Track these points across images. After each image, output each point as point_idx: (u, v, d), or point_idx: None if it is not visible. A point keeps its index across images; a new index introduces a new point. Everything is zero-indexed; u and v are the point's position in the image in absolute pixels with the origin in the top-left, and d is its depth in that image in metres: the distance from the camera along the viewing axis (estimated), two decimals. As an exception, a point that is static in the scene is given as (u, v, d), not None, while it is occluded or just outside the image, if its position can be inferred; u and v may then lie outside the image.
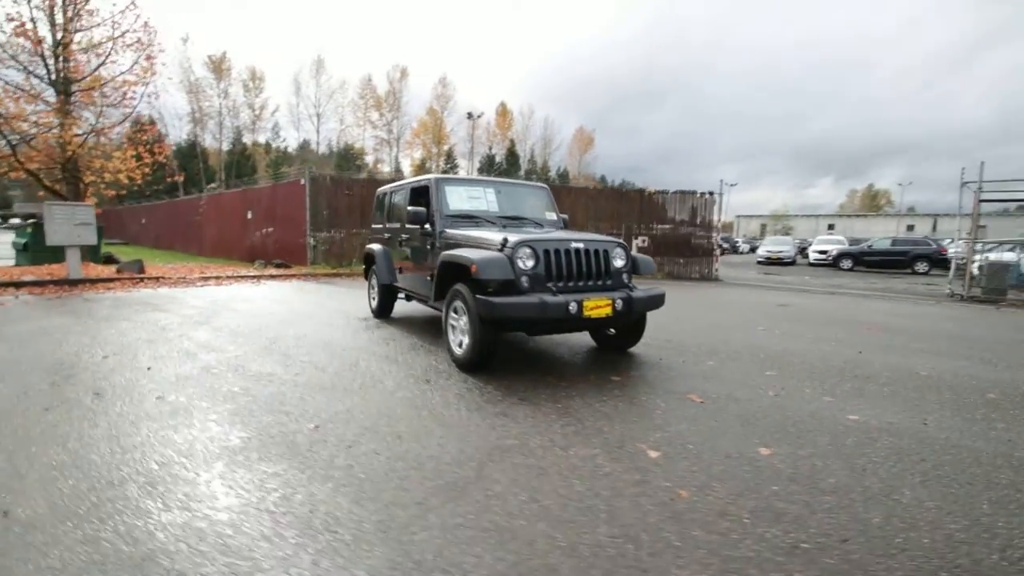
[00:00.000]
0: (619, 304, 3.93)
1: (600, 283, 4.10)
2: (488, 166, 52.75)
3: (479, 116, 40.20)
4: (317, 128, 49.84)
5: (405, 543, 1.77)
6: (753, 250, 37.98)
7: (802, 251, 28.49)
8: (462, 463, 2.39)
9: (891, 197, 74.87)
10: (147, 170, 11.63)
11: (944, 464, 2.48)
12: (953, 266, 12.43)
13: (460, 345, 4.07)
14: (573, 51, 76.68)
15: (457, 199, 4.97)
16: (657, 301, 4.24)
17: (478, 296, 3.70)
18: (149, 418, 2.89)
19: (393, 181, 9.57)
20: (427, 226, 4.87)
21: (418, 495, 2.09)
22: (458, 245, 4.32)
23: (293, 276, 12.01)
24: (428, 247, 4.86)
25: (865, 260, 21.37)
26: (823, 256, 23.69)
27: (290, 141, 51.58)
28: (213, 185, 27.52)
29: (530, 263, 3.83)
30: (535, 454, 2.51)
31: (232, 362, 4.17)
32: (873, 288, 13.38)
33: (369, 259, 6.68)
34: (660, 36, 76.65)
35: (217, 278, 11.16)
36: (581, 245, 4.06)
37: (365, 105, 50.13)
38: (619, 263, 4.24)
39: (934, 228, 49.40)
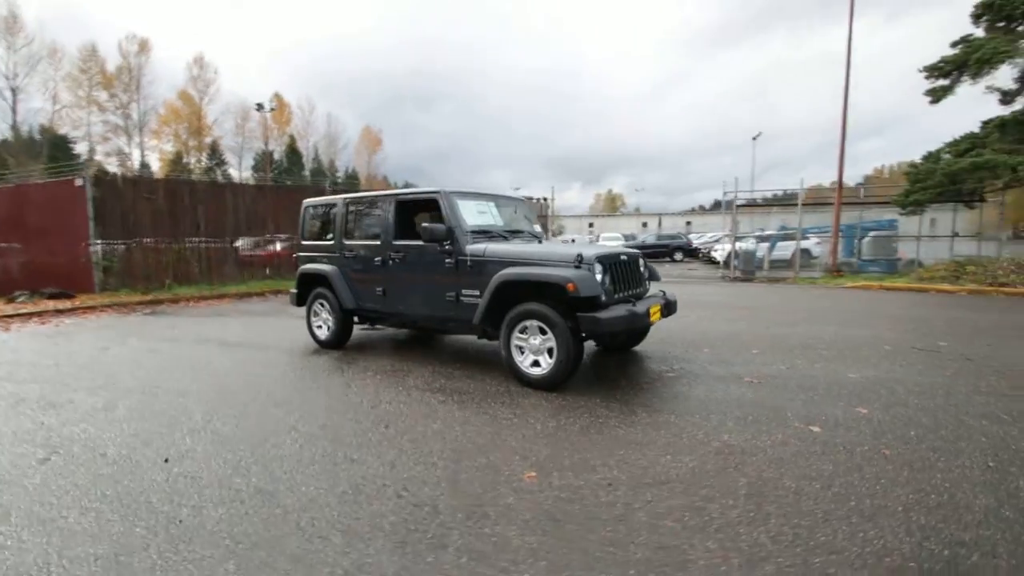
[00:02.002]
0: (664, 308, 4.43)
1: (639, 291, 4.52)
2: (266, 163, 46.85)
3: (271, 110, 35.16)
4: (13, 106, 36.71)
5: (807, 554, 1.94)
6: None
7: (587, 246, 33.35)
8: (708, 476, 2.57)
9: (625, 199, 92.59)
10: None
11: (965, 404, 3.58)
12: (723, 254, 16.60)
13: (535, 365, 3.99)
14: (351, 44, 73.05)
15: (468, 214, 4.73)
16: (677, 303, 4.86)
17: (581, 313, 3.74)
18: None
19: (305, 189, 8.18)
20: (447, 244, 4.51)
21: (732, 517, 2.23)
22: (511, 263, 4.17)
23: (92, 310, 9.08)
24: (452, 266, 4.51)
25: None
26: (609, 250, 28.23)
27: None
28: None
29: (603, 277, 4.01)
30: (744, 452, 2.81)
31: (290, 424, 3.26)
32: (663, 275, 16.76)
33: (312, 282, 5.72)
34: (435, 38, 78.94)
35: (-31, 322, 7.75)
36: (625, 256, 4.41)
37: (89, 82, 38.88)
38: (643, 271, 4.72)
39: (659, 224, 62.98)
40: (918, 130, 74.92)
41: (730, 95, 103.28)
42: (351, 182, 47.20)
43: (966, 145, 11.81)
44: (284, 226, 13.35)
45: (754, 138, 35.71)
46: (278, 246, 13.36)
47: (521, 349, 4.07)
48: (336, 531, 2.09)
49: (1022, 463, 2.61)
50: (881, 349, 5.17)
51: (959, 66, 11.27)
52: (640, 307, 4.01)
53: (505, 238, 4.78)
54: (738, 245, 17.13)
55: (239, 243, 12.80)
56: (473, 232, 4.61)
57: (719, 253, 21.04)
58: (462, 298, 4.48)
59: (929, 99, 12.09)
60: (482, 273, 4.32)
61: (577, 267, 3.93)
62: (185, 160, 44.34)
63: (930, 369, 4.40)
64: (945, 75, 11.75)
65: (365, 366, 4.82)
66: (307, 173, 50.25)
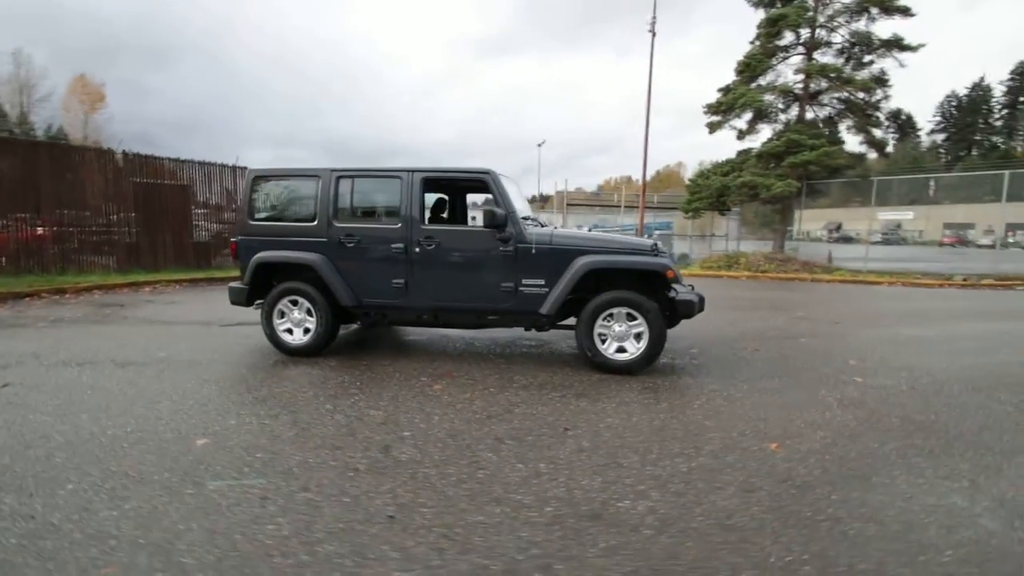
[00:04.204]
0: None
1: None
2: None
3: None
4: None
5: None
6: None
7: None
8: (890, 419, 3.19)
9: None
10: None
11: (895, 349, 5.11)
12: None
13: (620, 351, 4.06)
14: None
15: (512, 197, 4.41)
16: None
17: (679, 298, 3.97)
18: None
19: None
20: (506, 230, 4.14)
21: (976, 439, 2.89)
22: (586, 251, 4.09)
23: None
24: (511, 253, 4.15)
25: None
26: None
27: None
28: None
29: (670, 264, 4.32)
30: (869, 401, 3.54)
31: (460, 443, 2.62)
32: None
33: (273, 274, 4.50)
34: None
35: None
36: (659, 246, 4.79)
37: None
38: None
39: (446, 218, 65.07)
40: (632, 150, 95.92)
41: (488, 105, 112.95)
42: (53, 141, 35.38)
43: (727, 168, 15.81)
44: (51, 200, 9.57)
45: (539, 145, 40.02)
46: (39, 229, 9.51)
47: (602, 337, 4.09)
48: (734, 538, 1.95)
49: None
50: (774, 321, 6.77)
51: (729, 107, 15.02)
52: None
53: (541, 224, 4.65)
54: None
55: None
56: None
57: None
58: (521, 288, 4.20)
59: (708, 131, 15.80)
60: (549, 261, 4.14)
61: (655, 254, 4.15)
62: None
63: (837, 332, 6.02)
64: (718, 113, 15.51)
65: (396, 372, 4.07)
66: (-23, 127, 35.68)
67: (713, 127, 15.70)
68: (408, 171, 4.35)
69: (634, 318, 4.01)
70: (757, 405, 3.40)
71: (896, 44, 13.62)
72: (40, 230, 9.52)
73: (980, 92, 59.34)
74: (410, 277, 4.33)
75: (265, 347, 4.77)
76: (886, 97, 14.43)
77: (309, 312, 4.47)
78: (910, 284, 11.48)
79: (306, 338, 4.48)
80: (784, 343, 5.34)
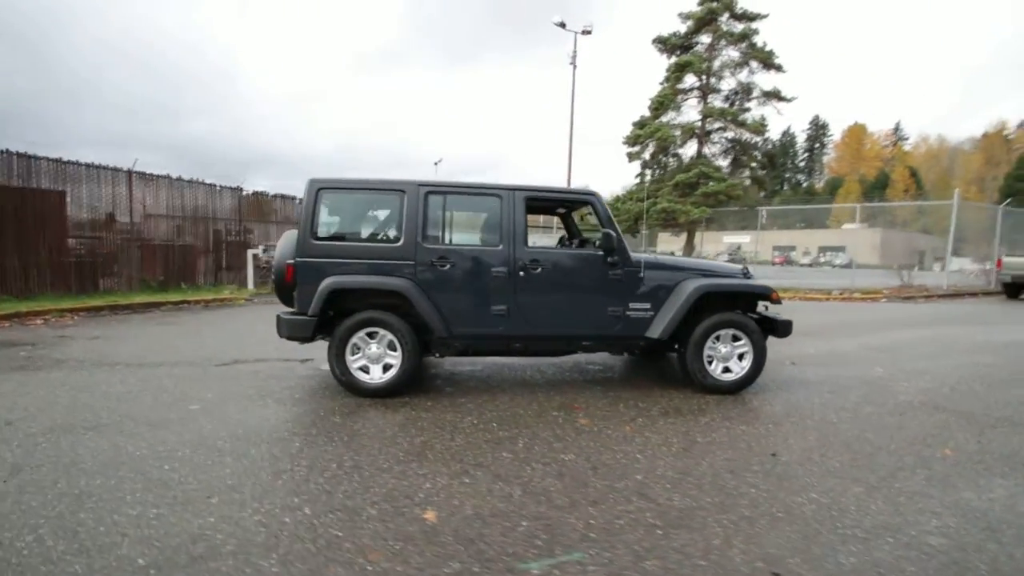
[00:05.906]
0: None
1: None
2: None
3: None
4: None
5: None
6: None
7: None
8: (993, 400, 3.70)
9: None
10: None
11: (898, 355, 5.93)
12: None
13: (726, 371, 4.18)
14: None
15: (602, 219, 4.34)
16: None
17: (780, 318, 4.21)
18: None
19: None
20: (613, 255, 4.04)
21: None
22: (692, 274, 4.18)
23: None
24: (619, 278, 4.06)
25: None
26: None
27: None
28: None
29: (746, 286, 4.58)
30: (911, 392, 4.06)
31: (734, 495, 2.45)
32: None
33: (346, 302, 3.84)
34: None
35: None
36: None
37: None
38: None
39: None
40: (516, 170, 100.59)
41: (375, 119, 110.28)
42: None
43: (642, 195, 17.23)
44: None
45: (436, 163, 39.68)
46: None
47: (710, 359, 4.17)
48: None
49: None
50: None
51: (645, 139, 16.47)
52: (765, 310, 4.78)
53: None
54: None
55: None
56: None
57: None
58: (629, 312, 4.12)
59: (628, 160, 17.15)
60: (655, 285, 4.15)
61: (747, 276, 4.38)
62: None
63: (825, 345, 6.84)
64: (634, 144, 16.90)
65: (516, 409, 3.72)
66: None
67: (632, 157, 17.12)
68: (509, 189, 4.04)
69: (738, 339, 4.17)
70: (872, 415, 3.73)
71: (775, 95, 16.24)
72: None
73: (788, 138, 72.79)
74: (513, 303, 4.00)
75: (317, 387, 4.08)
76: (765, 139, 17.06)
77: (391, 346, 3.88)
78: (804, 299, 13.52)
79: (388, 376, 3.87)
80: (806, 356, 5.92)
